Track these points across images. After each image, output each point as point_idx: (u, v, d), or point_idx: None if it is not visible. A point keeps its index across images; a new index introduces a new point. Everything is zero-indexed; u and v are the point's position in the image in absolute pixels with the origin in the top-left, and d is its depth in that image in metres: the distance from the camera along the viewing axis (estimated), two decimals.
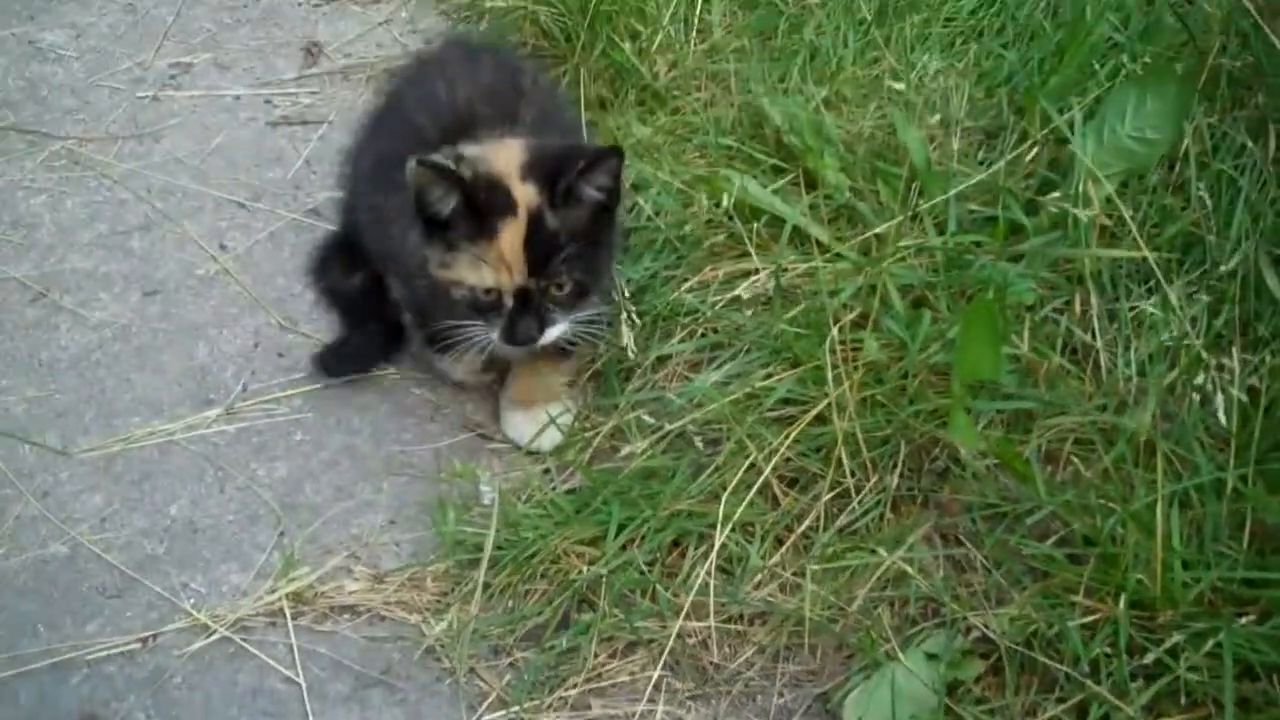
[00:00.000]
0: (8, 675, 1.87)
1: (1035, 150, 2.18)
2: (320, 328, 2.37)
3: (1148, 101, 2.11)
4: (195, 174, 2.77)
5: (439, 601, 1.91)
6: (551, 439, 2.10)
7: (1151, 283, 2.01)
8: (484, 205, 1.84)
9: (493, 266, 1.86)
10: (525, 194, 1.85)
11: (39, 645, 1.91)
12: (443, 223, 1.87)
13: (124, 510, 2.10)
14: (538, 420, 2.10)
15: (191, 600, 1.96)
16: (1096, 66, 2.28)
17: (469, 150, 1.90)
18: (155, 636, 1.92)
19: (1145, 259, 1.96)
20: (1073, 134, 2.12)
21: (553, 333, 1.92)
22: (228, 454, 2.18)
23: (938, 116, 2.29)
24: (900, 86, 2.31)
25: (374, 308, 2.26)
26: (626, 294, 2.13)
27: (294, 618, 1.92)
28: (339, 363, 2.26)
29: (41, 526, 2.08)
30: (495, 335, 1.92)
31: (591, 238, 1.89)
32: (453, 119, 2.04)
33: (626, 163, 1.91)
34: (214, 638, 1.90)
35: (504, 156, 1.89)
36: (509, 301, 1.88)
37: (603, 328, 2.06)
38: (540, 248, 1.85)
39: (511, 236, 1.84)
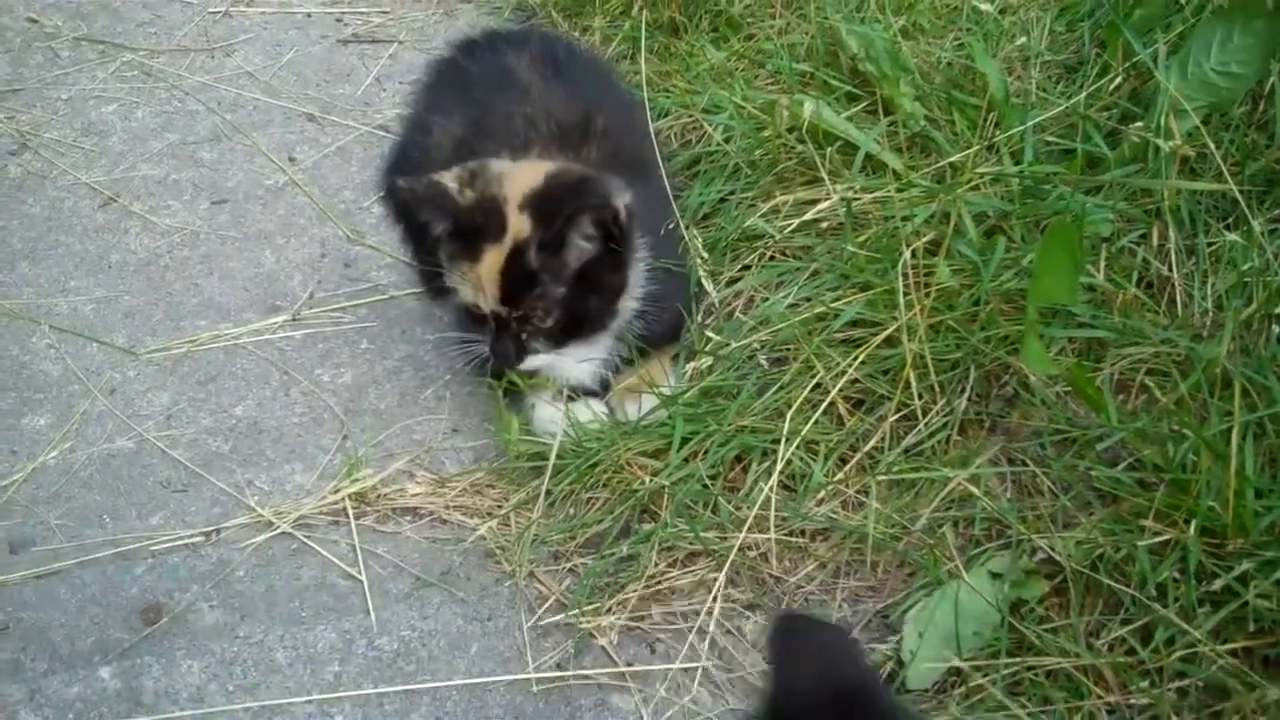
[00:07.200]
0: (73, 563, 1.90)
1: (1117, 83, 2.14)
2: (386, 240, 2.38)
3: (1234, 36, 2.06)
4: (265, 88, 2.78)
5: (500, 507, 1.92)
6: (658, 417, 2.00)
7: (1230, 219, 1.97)
8: (474, 228, 1.85)
9: (473, 287, 1.87)
10: (518, 225, 1.84)
11: (104, 535, 1.94)
12: (436, 238, 1.90)
13: (190, 409, 2.12)
14: (643, 408, 2.01)
15: (255, 497, 1.98)
16: (1182, 1, 2.24)
17: (496, 165, 1.91)
18: (219, 531, 1.94)
19: (1225, 193, 1.93)
20: (1156, 68, 2.09)
21: (534, 361, 1.92)
22: (293, 359, 2.20)
23: (1021, 40, 2.26)
24: (986, 7, 2.27)
25: None
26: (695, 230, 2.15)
27: (356, 517, 1.93)
28: None
29: (108, 422, 2.10)
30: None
31: (587, 281, 1.87)
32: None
33: (624, 212, 1.85)
34: (276, 533, 1.92)
35: (522, 180, 1.87)
36: (491, 322, 1.89)
37: (682, 333, 2.06)
38: (515, 280, 1.85)
39: (491, 262, 1.84)
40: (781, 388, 1.92)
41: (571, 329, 1.91)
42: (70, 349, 2.22)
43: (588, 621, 1.76)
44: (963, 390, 1.87)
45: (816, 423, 1.87)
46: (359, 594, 1.84)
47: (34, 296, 2.32)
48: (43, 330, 2.25)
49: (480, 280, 1.85)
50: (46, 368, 2.19)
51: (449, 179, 1.88)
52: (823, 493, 1.84)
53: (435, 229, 1.90)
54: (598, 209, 1.83)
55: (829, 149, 2.16)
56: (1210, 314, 1.88)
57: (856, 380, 1.90)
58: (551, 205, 1.83)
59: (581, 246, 1.86)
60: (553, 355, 1.93)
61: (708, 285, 2.11)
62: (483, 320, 1.92)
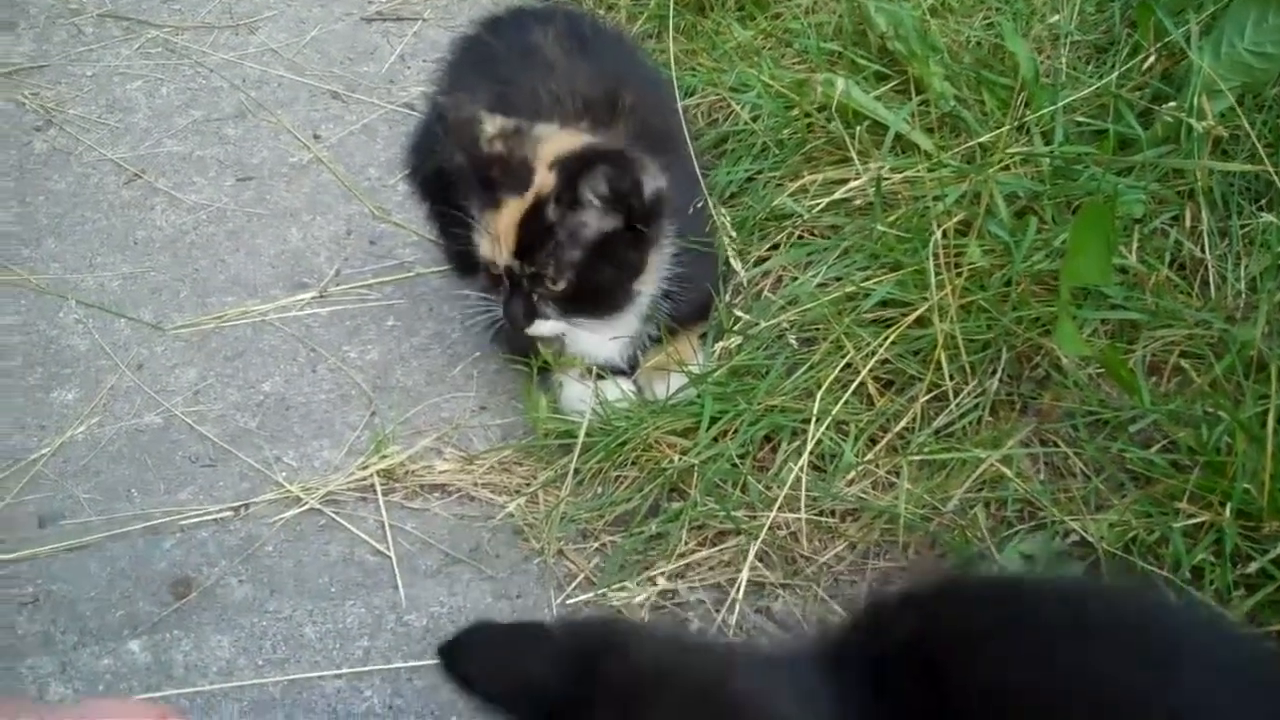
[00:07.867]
0: (102, 537, 1.91)
1: (1149, 63, 2.13)
2: (411, 218, 2.37)
3: (1269, 16, 2.05)
4: (290, 65, 2.78)
5: (528, 485, 1.92)
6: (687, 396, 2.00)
7: (1264, 201, 1.96)
8: (496, 178, 1.84)
9: (490, 238, 1.86)
10: (543, 180, 1.83)
11: (132, 509, 1.95)
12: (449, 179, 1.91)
13: (217, 385, 2.12)
14: (672, 386, 2.01)
15: (283, 473, 1.98)
16: None
17: (541, 128, 1.90)
18: (247, 506, 1.94)
19: (1259, 175, 1.92)
20: (1189, 48, 2.07)
21: (543, 326, 1.89)
22: (320, 336, 2.20)
23: (1056, 17, 2.25)
24: None
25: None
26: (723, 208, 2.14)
27: (384, 494, 1.93)
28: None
29: (136, 397, 2.11)
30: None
31: (605, 254, 1.85)
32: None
33: (649, 187, 1.84)
34: (305, 509, 1.92)
35: (560, 143, 1.87)
36: (505, 280, 1.88)
37: (711, 312, 2.05)
38: (532, 232, 1.83)
39: (511, 213, 1.84)
40: (811, 367, 1.91)
41: (582, 299, 1.88)
42: (98, 324, 2.22)
43: (617, 599, 1.76)
44: (994, 371, 1.87)
45: (846, 403, 1.86)
46: (388, 570, 1.84)
47: (61, 272, 2.32)
48: (70, 305, 2.25)
49: (498, 232, 1.85)
50: (74, 343, 2.19)
51: (489, 123, 1.87)
52: (853, 473, 1.83)
53: (449, 158, 1.89)
54: (615, 164, 1.80)
55: (858, 128, 2.15)
56: (1244, 296, 1.87)
57: (887, 360, 1.89)
58: (571, 165, 1.83)
59: (596, 206, 1.83)
60: (563, 324, 1.90)
61: (736, 264, 2.10)
62: (499, 281, 1.90)
